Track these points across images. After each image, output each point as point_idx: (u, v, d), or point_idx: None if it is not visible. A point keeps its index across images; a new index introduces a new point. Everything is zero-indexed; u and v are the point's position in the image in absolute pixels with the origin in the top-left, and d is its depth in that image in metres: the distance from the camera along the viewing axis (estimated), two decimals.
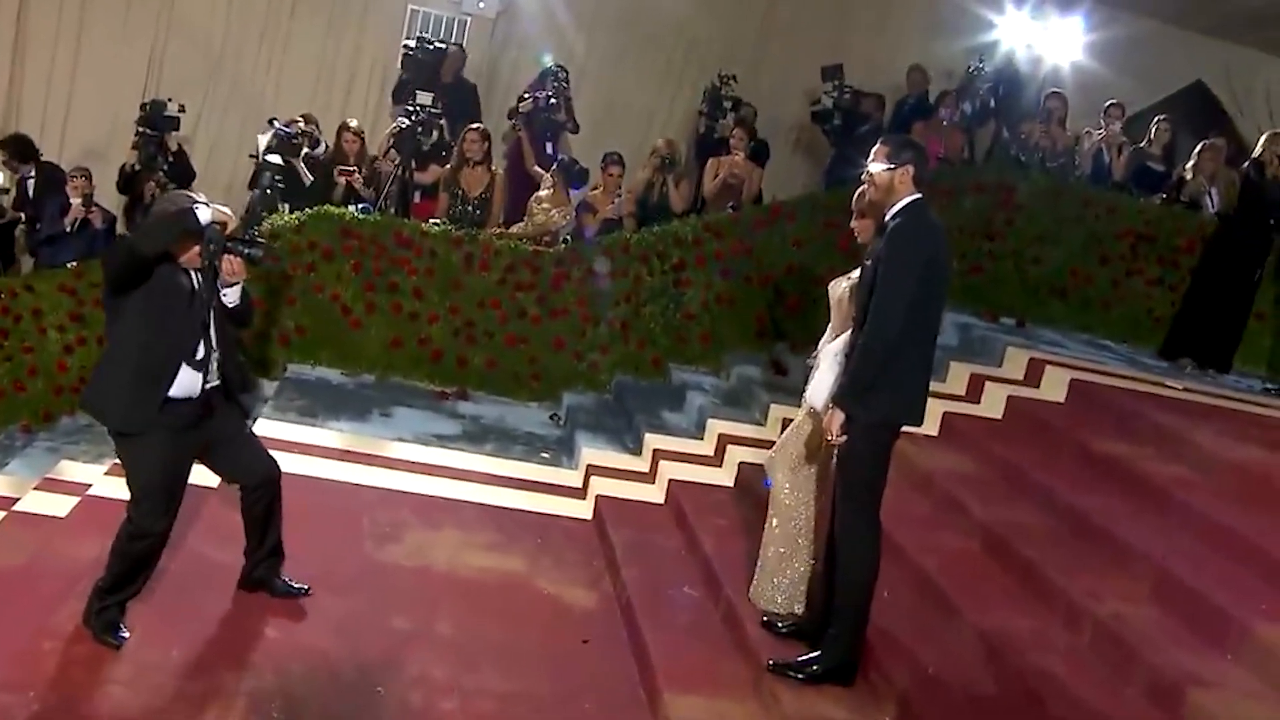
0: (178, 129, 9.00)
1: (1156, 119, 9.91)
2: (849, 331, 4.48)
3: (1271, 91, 11.93)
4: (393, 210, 8.35)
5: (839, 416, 4.24)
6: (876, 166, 4.33)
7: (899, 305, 4.13)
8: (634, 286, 8.16)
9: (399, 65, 10.24)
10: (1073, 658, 4.30)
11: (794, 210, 8.53)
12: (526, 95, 10.07)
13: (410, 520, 5.71)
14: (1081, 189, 9.17)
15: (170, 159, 8.88)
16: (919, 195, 4.29)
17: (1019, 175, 9.07)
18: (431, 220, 8.33)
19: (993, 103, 10.31)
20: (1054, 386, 6.76)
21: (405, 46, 10.01)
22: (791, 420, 4.98)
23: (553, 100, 9.89)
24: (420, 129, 8.65)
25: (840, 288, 4.77)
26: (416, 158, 8.70)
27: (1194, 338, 8.24)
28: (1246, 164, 8.46)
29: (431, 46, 9.62)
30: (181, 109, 8.96)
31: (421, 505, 5.94)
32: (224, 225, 4.18)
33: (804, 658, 4.40)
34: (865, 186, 4.47)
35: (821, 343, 4.83)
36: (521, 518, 6.01)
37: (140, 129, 8.85)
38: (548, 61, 10.21)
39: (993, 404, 6.71)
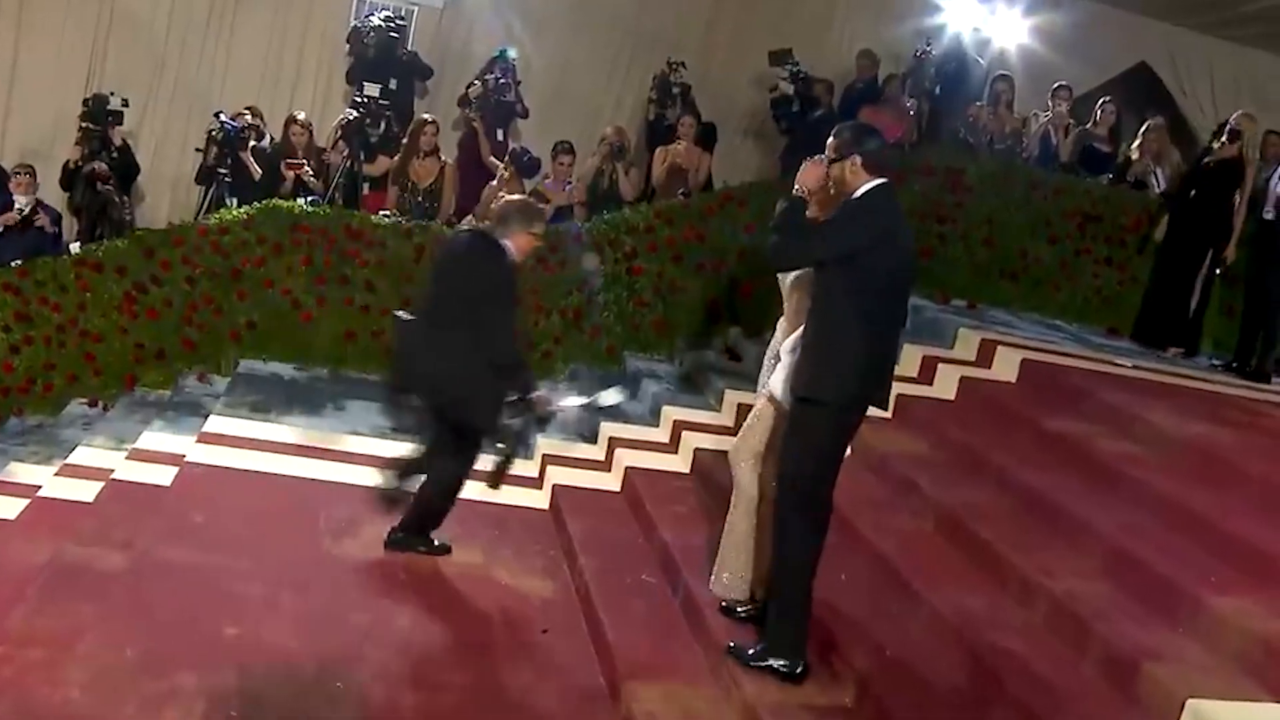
0: (121, 123, 8.89)
1: (1101, 100, 10.01)
2: (803, 328, 4.47)
3: (1214, 72, 12.08)
4: (342, 203, 8.31)
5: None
6: (829, 161, 4.34)
7: (828, 242, 4.21)
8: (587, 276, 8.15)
9: (346, 46, 10.21)
10: (1028, 634, 4.34)
11: (745, 196, 8.56)
12: (475, 81, 10.06)
13: (366, 514, 5.67)
14: (1029, 171, 9.25)
15: (114, 154, 8.77)
16: (879, 181, 4.25)
17: (967, 158, 9.14)
18: (382, 212, 8.28)
19: (938, 90, 10.37)
20: (1006, 367, 6.81)
21: (357, 27, 10.00)
22: (748, 406, 4.98)
23: (502, 81, 9.89)
24: (368, 120, 8.60)
25: (790, 276, 4.76)
26: (365, 149, 8.65)
27: (1163, 319, 8.32)
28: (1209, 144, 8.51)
29: (391, 29, 9.61)
30: (125, 103, 8.86)
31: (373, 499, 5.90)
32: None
33: (754, 649, 4.39)
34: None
35: (775, 339, 4.83)
36: (478, 509, 5.96)
37: (83, 124, 8.74)
38: (511, 55, 10.20)
39: (945, 385, 6.75)
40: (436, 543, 5.37)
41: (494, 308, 5.02)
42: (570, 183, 8.99)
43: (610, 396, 5.83)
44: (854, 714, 4.18)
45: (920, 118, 10.55)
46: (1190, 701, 3.70)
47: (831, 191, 4.38)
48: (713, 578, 4.88)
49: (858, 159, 4.25)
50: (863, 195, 4.25)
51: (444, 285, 5.24)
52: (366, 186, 8.84)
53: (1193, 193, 8.27)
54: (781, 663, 4.28)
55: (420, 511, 5.33)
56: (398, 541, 5.33)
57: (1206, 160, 8.31)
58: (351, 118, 8.63)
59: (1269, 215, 7.91)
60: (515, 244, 5.12)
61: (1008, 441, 5.97)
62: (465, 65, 10.85)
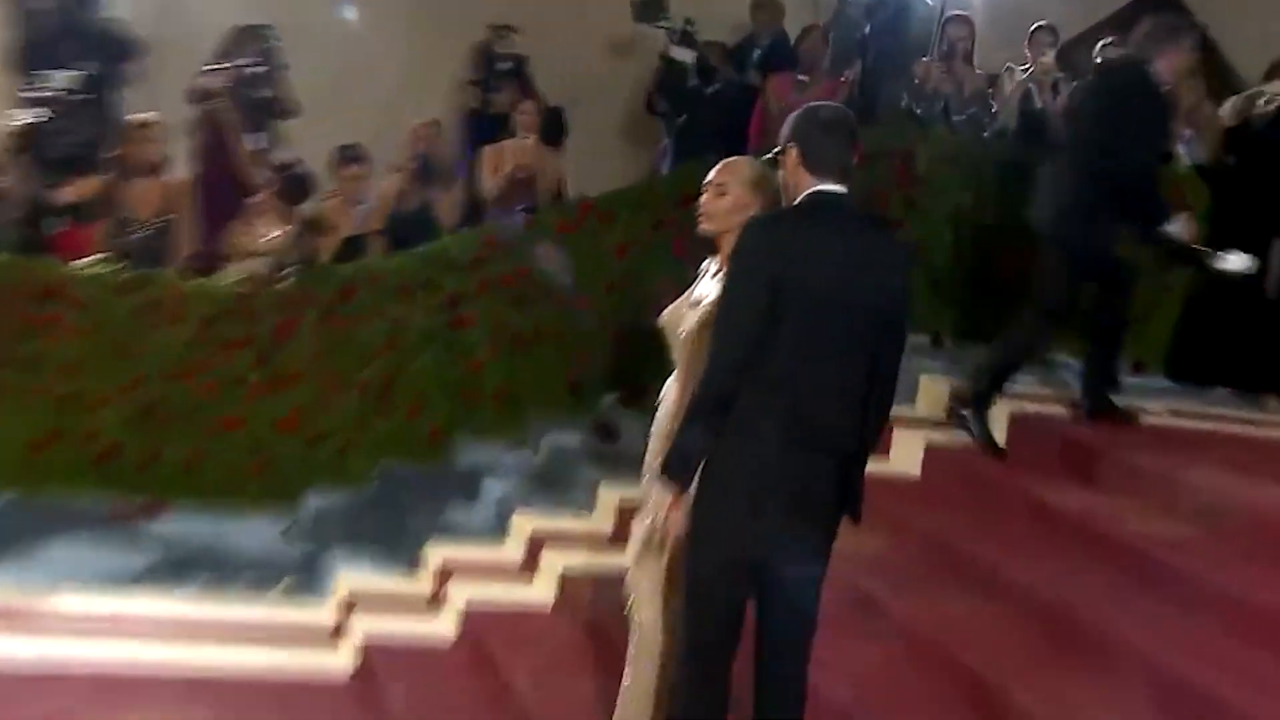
0: None
1: (1102, 44, 10.15)
2: None
3: None
4: (21, 248, 8.16)
5: (665, 494, 4.23)
6: (774, 154, 4.42)
7: (728, 339, 4.15)
8: (395, 332, 8.08)
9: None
10: None
11: (612, 208, 8.62)
12: (217, 66, 9.94)
13: (79, 710, 5.53)
14: (1004, 148, 9.41)
15: None
16: (819, 187, 4.29)
17: (915, 136, 9.25)
18: (84, 258, 8.14)
19: (869, 42, 10.45)
20: None
21: None
22: (631, 506, 4.98)
23: (258, 70, 9.81)
24: (56, 127, 8.50)
25: (685, 320, 4.73)
26: (51, 168, 8.53)
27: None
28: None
29: None
30: None
31: (97, 684, 5.75)
32: None
33: None
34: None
35: (662, 408, 4.83)
36: (251, 685, 5.89)
37: None
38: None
39: (906, 457, 6.85)
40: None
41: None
42: (361, 203, 8.97)
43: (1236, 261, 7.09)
44: None
45: (852, 84, 10.62)
46: None
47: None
48: None
49: (794, 150, 4.30)
50: (746, 229, 4.27)
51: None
52: (58, 221, 8.70)
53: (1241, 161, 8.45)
54: None
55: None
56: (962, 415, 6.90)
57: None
58: (29, 124, 8.51)
59: None
60: (1165, 66, 6.79)
61: (996, 527, 6.10)
62: (196, 42, 10.72)
